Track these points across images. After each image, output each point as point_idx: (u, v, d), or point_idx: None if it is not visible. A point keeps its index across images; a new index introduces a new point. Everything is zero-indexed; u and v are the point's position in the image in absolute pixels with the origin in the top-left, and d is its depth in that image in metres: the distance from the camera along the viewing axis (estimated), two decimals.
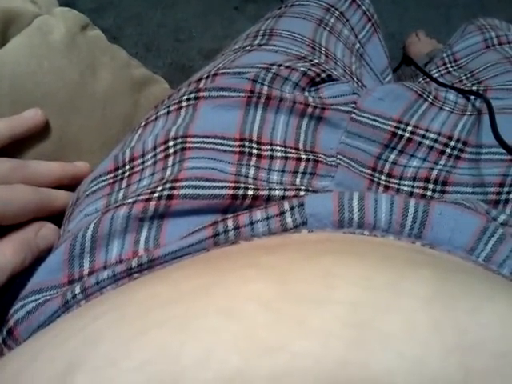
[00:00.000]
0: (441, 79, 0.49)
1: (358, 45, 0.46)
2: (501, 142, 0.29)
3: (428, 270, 0.16)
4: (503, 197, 0.31)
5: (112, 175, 0.30)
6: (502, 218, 0.27)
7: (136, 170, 0.30)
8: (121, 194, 0.28)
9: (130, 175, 0.29)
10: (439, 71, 0.51)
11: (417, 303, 0.13)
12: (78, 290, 0.23)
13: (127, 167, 0.30)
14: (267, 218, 0.24)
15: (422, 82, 0.50)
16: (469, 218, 0.24)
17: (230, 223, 0.24)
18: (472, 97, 0.38)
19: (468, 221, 0.24)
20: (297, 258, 0.17)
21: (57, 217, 0.32)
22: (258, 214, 0.25)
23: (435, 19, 1.29)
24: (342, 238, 0.23)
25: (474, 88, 0.41)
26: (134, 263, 0.23)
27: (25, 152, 0.34)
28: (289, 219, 0.24)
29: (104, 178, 0.30)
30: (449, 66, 0.50)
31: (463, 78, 0.46)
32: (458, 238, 0.24)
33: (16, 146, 0.33)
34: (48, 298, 0.25)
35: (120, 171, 0.30)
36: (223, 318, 0.13)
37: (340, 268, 0.16)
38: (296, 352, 0.12)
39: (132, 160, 0.30)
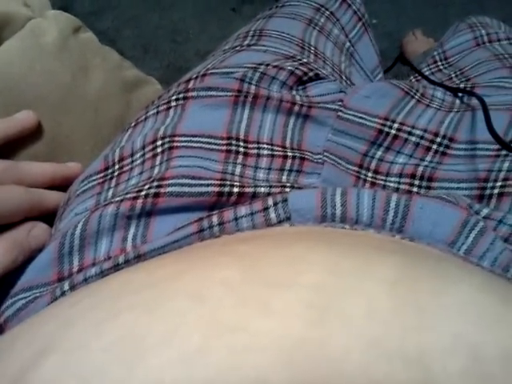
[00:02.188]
0: (432, 77, 0.49)
1: (348, 44, 0.46)
2: (497, 139, 0.30)
3: (396, 256, 0.17)
4: (487, 192, 0.31)
5: (102, 175, 0.30)
6: (485, 211, 0.27)
7: (125, 169, 0.30)
8: (110, 193, 0.29)
9: (119, 174, 0.30)
10: (430, 69, 0.51)
11: (380, 287, 0.14)
12: (66, 286, 0.24)
13: (116, 167, 0.30)
14: (251, 214, 0.25)
15: (414, 80, 0.51)
16: (450, 212, 0.25)
17: (215, 219, 0.25)
18: (460, 94, 0.38)
19: (449, 214, 0.25)
20: (270, 246, 0.18)
21: (49, 217, 0.32)
22: (243, 210, 0.25)
23: (432, 18, 1.29)
24: (320, 229, 0.23)
25: (462, 85, 0.42)
26: (120, 259, 0.24)
27: (17, 153, 0.34)
28: (272, 215, 0.25)
29: (94, 178, 0.30)
30: (440, 63, 0.51)
31: (453, 75, 0.46)
32: (439, 231, 0.24)
33: (8, 148, 0.34)
34: (38, 295, 0.25)
35: (110, 171, 0.30)
36: (191, 300, 0.14)
37: (309, 254, 0.16)
38: (256, 331, 0.12)
39: (121, 160, 0.30)
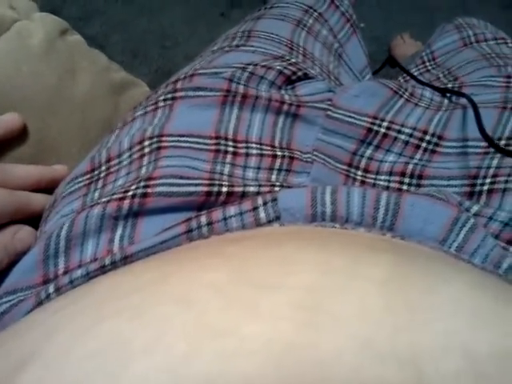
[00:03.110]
0: (420, 77, 0.49)
1: (336, 44, 0.46)
2: (488, 140, 0.30)
3: (387, 255, 0.16)
4: (477, 189, 0.31)
5: (88, 176, 0.30)
6: (475, 208, 0.27)
7: (112, 170, 0.30)
8: (96, 195, 0.29)
9: (106, 175, 0.30)
10: (418, 70, 0.51)
11: (371, 286, 0.14)
12: (51, 289, 0.23)
13: (103, 168, 0.30)
14: (241, 214, 0.25)
15: (402, 80, 0.51)
16: (440, 209, 0.25)
17: (204, 219, 0.24)
18: (448, 94, 0.38)
19: (439, 212, 0.25)
20: (259, 247, 0.18)
21: (34, 220, 0.32)
22: (232, 210, 0.25)
23: (419, 22, 1.30)
24: (310, 229, 0.23)
25: (450, 85, 0.42)
26: (107, 261, 0.24)
27: (3, 155, 0.34)
28: (262, 214, 0.24)
29: (80, 180, 0.30)
30: (428, 64, 0.51)
31: (441, 75, 0.46)
32: (430, 228, 0.24)
33: None
34: (22, 298, 0.25)
35: (96, 172, 0.30)
36: (177, 305, 0.13)
37: (299, 254, 0.16)
38: (245, 335, 0.12)
39: (108, 160, 0.30)
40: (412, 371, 0.11)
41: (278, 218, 0.24)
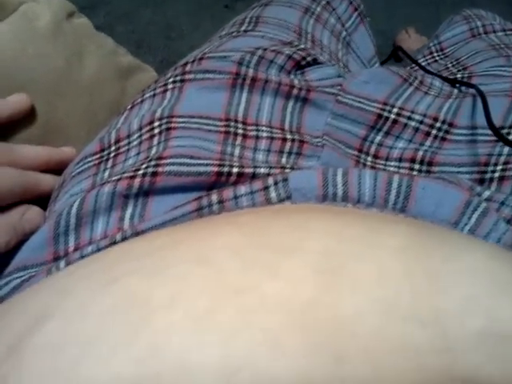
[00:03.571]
0: (428, 68, 0.49)
1: (344, 33, 0.46)
2: (496, 133, 0.30)
3: (403, 226, 0.16)
4: (488, 175, 0.31)
5: (98, 156, 0.30)
6: (487, 193, 0.27)
7: (121, 150, 0.30)
8: (106, 174, 0.28)
9: (115, 156, 0.29)
10: (426, 60, 0.51)
11: (388, 253, 0.14)
12: (62, 264, 0.23)
13: (113, 148, 0.30)
14: (251, 193, 0.24)
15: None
16: (452, 193, 0.25)
17: (214, 197, 0.24)
18: (457, 84, 0.38)
19: (451, 195, 0.24)
20: (271, 216, 0.18)
21: (42, 201, 0.32)
22: (242, 189, 0.25)
23: (425, 16, 1.29)
24: (322, 206, 0.23)
25: (459, 74, 0.41)
26: (118, 237, 0.23)
27: (10, 137, 0.34)
28: (273, 194, 0.24)
29: (90, 159, 0.30)
30: (435, 55, 0.51)
31: (449, 65, 0.46)
32: (442, 211, 0.24)
33: (1, 131, 0.33)
34: (33, 274, 0.24)
35: (106, 152, 0.30)
36: (194, 264, 0.13)
37: (314, 223, 0.16)
38: (265, 293, 0.12)
39: (118, 141, 0.30)
40: (436, 330, 0.11)
41: (288, 198, 0.24)
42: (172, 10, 1.20)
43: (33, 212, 0.30)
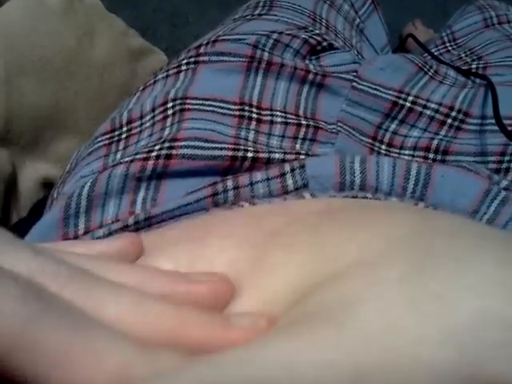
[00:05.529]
0: (440, 58, 0.49)
1: (358, 20, 0.46)
2: (502, 128, 0.29)
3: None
4: (504, 165, 0.31)
5: (108, 136, 0.29)
6: (504, 183, 0.26)
7: (134, 131, 0.29)
8: (118, 156, 0.28)
9: (127, 137, 0.29)
10: (438, 50, 0.50)
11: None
12: None
13: (124, 129, 0.29)
14: (267, 179, 0.24)
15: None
16: (471, 181, 0.24)
17: (230, 183, 0.24)
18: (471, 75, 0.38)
19: (471, 183, 0.24)
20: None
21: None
22: (258, 175, 0.24)
23: (432, 9, 1.28)
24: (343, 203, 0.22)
25: (474, 64, 0.41)
26: (130, 221, 0.23)
27: (20, 119, 0.33)
28: (289, 181, 0.24)
29: (100, 139, 0.29)
30: (448, 44, 0.50)
31: (462, 55, 0.46)
32: (461, 200, 0.24)
33: (11, 112, 0.32)
34: None
35: (117, 133, 0.29)
36: None
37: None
38: None
39: (130, 122, 0.29)
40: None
41: (305, 186, 0.24)
42: None
43: None
